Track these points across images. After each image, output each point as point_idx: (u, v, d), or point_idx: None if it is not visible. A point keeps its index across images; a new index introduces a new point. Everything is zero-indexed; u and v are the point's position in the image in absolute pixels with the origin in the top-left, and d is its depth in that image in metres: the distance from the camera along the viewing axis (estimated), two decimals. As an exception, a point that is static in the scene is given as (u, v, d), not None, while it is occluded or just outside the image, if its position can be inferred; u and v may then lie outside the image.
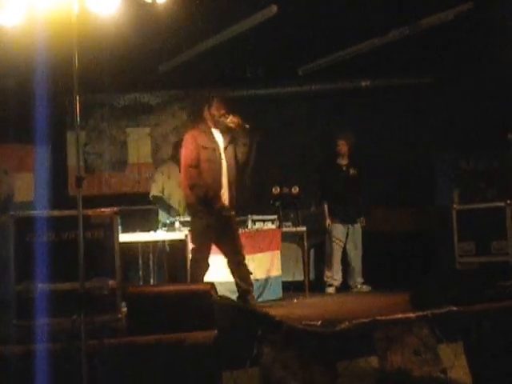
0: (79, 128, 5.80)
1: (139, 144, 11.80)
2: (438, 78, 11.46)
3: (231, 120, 7.41)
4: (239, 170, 7.56)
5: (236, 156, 7.53)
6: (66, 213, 6.37)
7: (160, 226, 8.68)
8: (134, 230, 8.49)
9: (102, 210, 6.43)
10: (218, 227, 7.38)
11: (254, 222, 8.76)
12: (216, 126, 7.53)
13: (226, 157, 7.47)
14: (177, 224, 8.50)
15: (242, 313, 5.81)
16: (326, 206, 9.92)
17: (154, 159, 11.81)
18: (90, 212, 6.29)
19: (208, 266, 7.45)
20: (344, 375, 5.51)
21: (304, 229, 9.31)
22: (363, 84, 11.72)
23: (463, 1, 9.35)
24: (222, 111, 7.47)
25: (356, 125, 11.15)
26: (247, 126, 7.37)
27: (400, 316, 5.92)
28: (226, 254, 7.60)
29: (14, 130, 10.13)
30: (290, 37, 10.17)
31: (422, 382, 5.68)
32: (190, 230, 7.83)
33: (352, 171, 9.94)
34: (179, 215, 8.89)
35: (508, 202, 8.55)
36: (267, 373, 5.40)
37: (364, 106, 11.71)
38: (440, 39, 10.21)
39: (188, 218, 8.68)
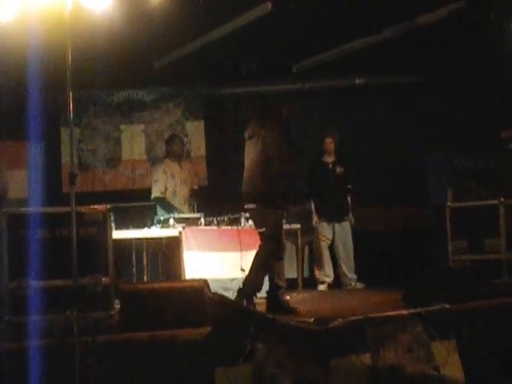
0: (73, 125, 5.80)
1: (133, 141, 11.78)
2: (432, 76, 11.47)
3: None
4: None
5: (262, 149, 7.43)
6: (59, 209, 6.38)
7: (154, 222, 8.68)
8: (127, 227, 8.50)
9: (95, 206, 6.44)
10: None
11: (247, 219, 8.75)
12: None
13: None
14: (171, 221, 8.51)
15: (235, 310, 5.81)
16: (312, 204, 9.94)
17: (148, 156, 11.79)
18: (83, 209, 6.30)
19: None
20: (337, 372, 5.52)
21: (298, 226, 9.32)
22: (357, 82, 11.73)
23: (456, -1, 9.38)
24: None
25: (350, 123, 11.17)
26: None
27: (393, 313, 5.93)
28: None
29: (7, 127, 10.14)
30: (285, 34, 10.17)
31: (414, 379, 5.69)
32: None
33: (339, 169, 9.96)
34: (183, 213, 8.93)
35: (501, 200, 8.56)
36: (260, 369, 5.40)
37: (358, 104, 11.71)
38: (433, 38, 10.22)
39: (184, 215, 8.75)
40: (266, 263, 7.46)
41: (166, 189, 9.30)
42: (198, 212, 8.95)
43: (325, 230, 9.88)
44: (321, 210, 9.92)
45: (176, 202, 9.30)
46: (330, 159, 10.02)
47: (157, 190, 9.35)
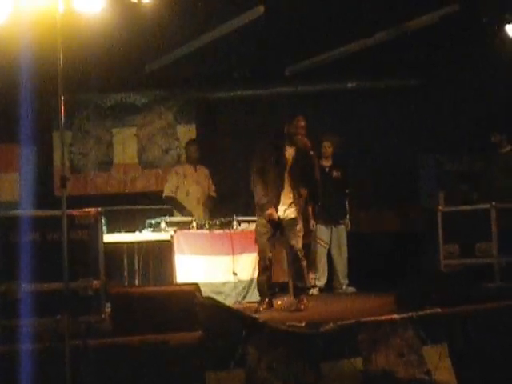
0: (65, 128, 5.80)
1: (125, 144, 11.75)
2: (424, 79, 11.48)
3: (300, 141, 7.96)
4: (308, 184, 8.06)
5: (307, 172, 8.00)
6: (50, 213, 6.34)
7: (146, 226, 8.67)
8: (119, 231, 8.48)
9: (87, 210, 6.42)
10: (271, 231, 7.94)
11: (239, 222, 8.75)
12: (290, 143, 7.98)
13: (291, 169, 7.91)
14: (163, 224, 8.49)
15: (226, 314, 5.81)
16: (309, 208, 9.92)
17: (140, 160, 11.78)
18: (74, 212, 6.28)
19: (269, 264, 7.97)
20: (328, 376, 5.52)
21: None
22: (349, 85, 11.73)
23: (449, 3, 9.38)
24: (299, 130, 7.97)
25: (342, 126, 11.16)
26: (312, 152, 8.03)
27: (384, 317, 5.93)
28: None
29: (-1, 130, 10.12)
30: (277, 37, 10.16)
31: (406, 384, 5.70)
32: None
33: (335, 173, 9.94)
34: (192, 215, 8.95)
35: (493, 204, 8.57)
36: (251, 374, 5.40)
37: (350, 108, 11.71)
38: (426, 41, 10.23)
39: (176, 219, 8.77)
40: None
41: (177, 188, 9.41)
42: (213, 215, 9.15)
43: (322, 234, 9.86)
44: (318, 213, 9.89)
45: (188, 203, 9.38)
46: (326, 163, 10.00)
47: (167, 189, 9.60)
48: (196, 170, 9.65)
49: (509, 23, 9.32)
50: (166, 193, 9.57)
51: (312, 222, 9.84)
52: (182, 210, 9.31)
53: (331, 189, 9.83)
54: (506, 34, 9.33)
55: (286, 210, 7.91)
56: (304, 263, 7.96)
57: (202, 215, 9.23)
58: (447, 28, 9.68)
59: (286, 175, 7.90)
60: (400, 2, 9.34)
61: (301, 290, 7.96)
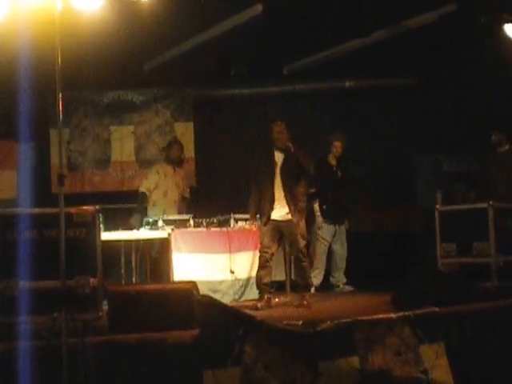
0: (62, 125, 5.79)
1: (123, 142, 11.73)
2: (422, 79, 11.48)
3: (282, 144, 8.17)
4: (301, 181, 8.29)
5: (296, 169, 8.18)
6: (48, 210, 6.34)
7: (143, 224, 8.66)
8: (116, 229, 8.47)
9: (84, 207, 6.41)
10: (273, 233, 8.17)
11: (236, 220, 8.76)
12: (276, 147, 8.25)
13: (282, 172, 8.16)
14: (160, 223, 8.48)
15: (223, 312, 5.81)
16: (317, 206, 9.90)
17: (138, 158, 11.76)
18: (72, 210, 6.27)
19: (269, 267, 8.22)
20: (325, 375, 5.52)
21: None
22: (347, 84, 11.73)
23: (447, 2, 9.38)
24: (277, 135, 8.21)
25: (339, 125, 11.15)
26: (291, 146, 8.10)
27: (381, 316, 5.93)
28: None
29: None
30: (275, 36, 10.16)
31: (403, 383, 5.70)
32: None
33: (340, 172, 9.94)
34: (159, 215, 8.92)
35: (490, 203, 8.58)
36: (248, 372, 5.40)
37: (348, 107, 11.71)
38: (424, 41, 10.23)
39: (173, 217, 8.76)
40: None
41: (155, 187, 9.34)
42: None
43: (325, 232, 9.84)
44: (325, 211, 9.85)
45: (164, 203, 9.32)
46: (334, 162, 9.97)
47: (144, 186, 9.51)
48: (175, 171, 9.58)
49: (507, 23, 9.31)
50: (142, 189, 9.48)
51: (320, 219, 9.84)
52: (141, 210, 9.28)
53: (336, 188, 9.83)
54: (504, 34, 9.32)
55: (281, 211, 8.12)
56: (305, 263, 8.22)
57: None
58: (446, 27, 9.68)
59: (277, 178, 8.15)
60: (398, 0, 9.35)
61: (302, 288, 8.24)
